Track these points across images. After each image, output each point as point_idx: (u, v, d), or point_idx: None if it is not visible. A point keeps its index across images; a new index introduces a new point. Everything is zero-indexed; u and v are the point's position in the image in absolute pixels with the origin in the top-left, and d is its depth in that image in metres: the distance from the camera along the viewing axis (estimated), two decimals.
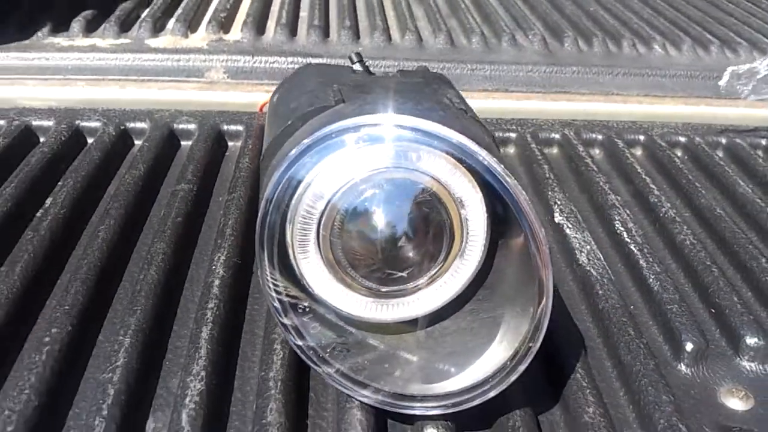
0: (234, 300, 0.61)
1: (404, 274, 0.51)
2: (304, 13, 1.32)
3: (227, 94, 1.06)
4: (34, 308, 0.60)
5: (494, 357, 0.50)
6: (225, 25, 1.24)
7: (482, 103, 1.07)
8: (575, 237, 0.71)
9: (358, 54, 1.00)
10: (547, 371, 0.57)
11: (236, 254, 0.66)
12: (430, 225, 0.50)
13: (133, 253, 0.69)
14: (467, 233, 0.50)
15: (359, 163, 0.47)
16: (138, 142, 0.88)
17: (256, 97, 1.02)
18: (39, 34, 1.15)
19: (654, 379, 0.54)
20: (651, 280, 0.65)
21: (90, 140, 0.87)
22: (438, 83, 0.70)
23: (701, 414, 0.54)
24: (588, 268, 0.66)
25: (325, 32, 1.24)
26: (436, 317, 0.53)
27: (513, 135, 0.93)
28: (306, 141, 0.47)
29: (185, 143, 0.89)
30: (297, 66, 1.10)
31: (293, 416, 0.50)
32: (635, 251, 0.69)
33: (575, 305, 0.65)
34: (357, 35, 1.24)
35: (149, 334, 0.56)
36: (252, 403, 0.52)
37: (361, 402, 0.50)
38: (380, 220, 0.49)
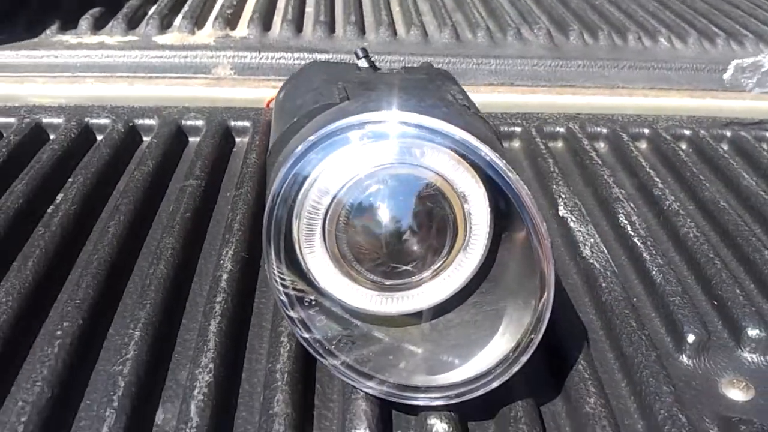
0: (242, 294, 0.62)
1: (409, 267, 0.52)
2: (309, 9, 1.33)
3: (234, 90, 1.07)
4: (46, 302, 0.62)
5: (497, 349, 0.50)
6: (231, 21, 1.24)
7: (488, 98, 1.08)
8: (579, 230, 0.72)
9: (364, 49, 1.01)
10: (550, 362, 0.57)
11: (244, 249, 0.67)
12: (434, 219, 0.50)
13: (143, 248, 0.70)
14: (470, 227, 0.51)
15: (364, 159, 0.48)
16: (146, 139, 0.89)
17: (263, 92, 1.02)
18: (48, 32, 1.16)
19: (655, 370, 0.55)
20: (654, 272, 0.66)
21: (99, 137, 0.88)
22: (442, 79, 0.71)
23: (702, 405, 0.55)
24: (591, 261, 0.67)
25: (331, 28, 1.24)
26: (441, 310, 0.54)
27: (518, 129, 0.93)
28: (311, 138, 0.48)
29: (193, 139, 0.90)
30: (303, 62, 1.11)
31: (299, 407, 0.51)
32: (639, 244, 0.70)
33: (579, 297, 0.65)
34: (363, 30, 1.24)
35: (158, 328, 0.57)
36: (259, 394, 0.53)
37: (366, 393, 0.51)
38: (385, 214, 0.50)
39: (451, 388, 0.50)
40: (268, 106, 0.95)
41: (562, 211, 0.75)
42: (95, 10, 1.22)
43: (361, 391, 0.51)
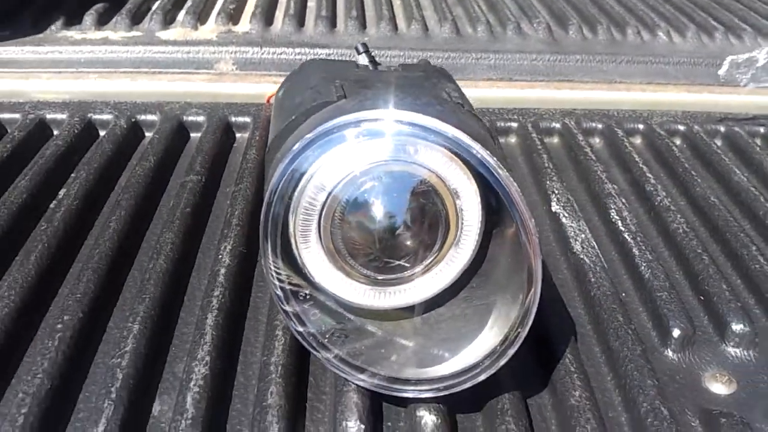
0: (239, 288, 0.64)
1: (401, 262, 0.53)
2: (311, 4, 1.34)
3: (236, 85, 1.08)
4: (48, 296, 0.63)
5: (485, 342, 0.52)
6: (234, 16, 1.26)
7: (486, 92, 1.09)
8: (571, 225, 0.73)
9: (365, 44, 1.02)
10: (538, 356, 0.59)
11: (242, 243, 0.68)
12: (427, 215, 0.52)
13: (143, 242, 0.71)
14: (462, 223, 0.52)
15: (359, 157, 0.49)
16: (148, 134, 0.91)
17: (264, 88, 1.04)
18: (52, 27, 1.18)
19: (640, 364, 0.56)
20: (643, 267, 0.67)
21: (102, 133, 0.90)
22: (438, 77, 0.72)
23: (685, 398, 0.56)
24: (582, 257, 0.68)
25: (333, 23, 1.25)
26: (432, 304, 0.55)
27: (514, 125, 0.94)
28: (308, 135, 0.49)
29: (194, 135, 0.92)
30: (305, 57, 1.12)
31: (293, 399, 0.53)
32: (629, 239, 0.71)
33: (568, 292, 0.67)
34: (364, 25, 1.25)
35: (157, 321, 0.59)
36: (254, 386, 0.55)
37: (357, 386, 0.52)
38: (379, 210, 0.51)
39: (440, 381, 0.51)
40: (268, 101, 0.96)
41: (555, 207, 0.76)
42: (99, 6, 1.23)
43: (353, 383, 0.52)
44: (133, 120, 0.91)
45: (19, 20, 1.18)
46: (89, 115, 0.91)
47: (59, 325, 0.57)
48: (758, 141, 0.93)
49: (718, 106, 1.04)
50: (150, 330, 0.57)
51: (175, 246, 0.67)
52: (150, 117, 0.93)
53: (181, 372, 0.55)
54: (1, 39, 1.12)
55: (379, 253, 0.52)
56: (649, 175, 0.82)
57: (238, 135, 0.93)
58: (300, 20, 1.25)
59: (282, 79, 0.77)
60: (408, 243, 0.52)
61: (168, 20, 1.22)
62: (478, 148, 0.48)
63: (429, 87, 0.68)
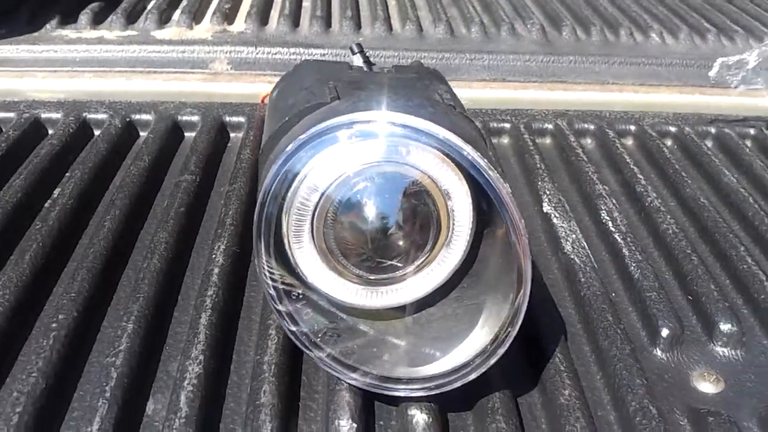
0: (232, 287, 0.64)
1: (393, 262, 0.54)
2: (306, 4, 1.35)
3: (230, 85, 1.09)
4: (42, 295, 0.64)
5: (476, 341, 0.52)
6: (229, 16, 1.26)
7: (480, 93, 1.09)
8: (562, 226, 0.74)
9: (359, 45, 1.03)
10: (528, 355, 0.59)
11: (235, 243, 0.69)
12: (419, 216, 0.52)
13: (137, 242, 0.72)
14: (453, 224, 0.53)
15: (352, 158, 0.50)
16: (143, 134, 0.91)
17: (259, 87, 1.04)
18: (48, 26, 1.18)
19: (629, 363, 0.57)
20: (632, 268, 0.68)
21: (97, 132, 0.90)
22: (430, 78, 0.72)
23: (673, 397, 0.57)
24: (572, 257, 0.69)
25: (327, 22, 1.26)
26: (424, 304, 0.56)
27: (507, 125, 0.95)
28: (302, 137, 0.49)
29: (189, 134, 0.92)
30: (299, 57, 1.13)
31: (286, 398, 0.53)
32: (619, 240, 0.72)
33: (559, 292, 0.67)
34: (358, 25, 1.26)
35: (151, 320, 0.59)
36: (247, 385, 0.55)
37: (350, 384, 0.53)
38: (371, 211, 0.52)
39: (432, 380, 0.52)
40: (263, 101, 0.97)
41: (546, 207, 0.77)
42: (95, 5, 1.24)
43: (345, 382, 0.53)
44: (127, 119, 0.92)
45: (15, 19, 1.19)
46: (84, 114, 0.92)
47: (54, 324, 0.57)
48: (748, 142, 0.94)
49: (709, 108, 1.04)
50: (144, 329, 0.58)
51: (169, 245, 0.68)
52: (144, 116, 0.93)
53: (175, 371, 0.55)
54: None
55: (372, 253, 0.53)
56: (640, 176, 0.83)
57: (232, 135, 0.94)
58: (295, 20, 1.26)
59: (277, 79, 0.78)
60: (400, 243, 0.53)
61: (163, 19, 1.23)
62: (469, 150, 0.49)
63: (421, 89, 0.69)
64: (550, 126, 0.95)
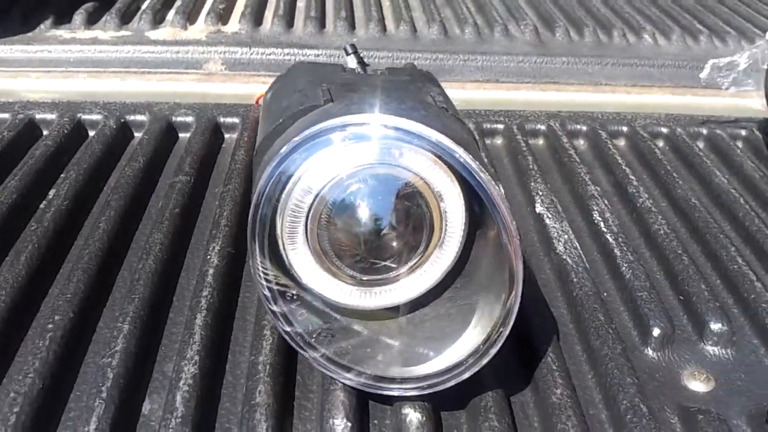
0: (227, 288, 0.65)
1: (387, 263, 0.54)
2: (301, 4, 1.35)
3: (225, 85, 1.09)
4: (38, 296, 0.64)
5: (469, 341, 0.53)
6: (223, 16, 1.26)
7: (473, 94, 1.10)
8: (554, 227, 0.74)
9: (353, 45, 1.04)
10: (521, 354, 0.60)
11: (230, 244, 0.69)
12: (411, 217, 0.53)
13: (132, 243, 0.72)
14: (446, 225, 0.53)
15: (345, 160, 0.50)
16: (138, 135, 0.91)
17: (253, 88, 1.05)
18: (42, 26, 1.19)
19: (620, 362, 0.57)
20: (624, 268, 0.68)
21: (91, 133, 0.90)
22: (423, 81, 0.73)
23: (664, 396, 0.58)
24: (565, 257, 0.70)
25: (322, 23, 1.26)
26: (417, 304, 0.56)
27: (500, 126, 0.95)
28: (296, 139, 0.50)
29: (183, 135, 0.92)
30: (294, 57, 1.13)
31: (281, 398, 0.54)
32: (611, 240, 0.72)
33: (551, 292, 0.68)
34: (353, 26, 1.26)
35: (146, 321, 0.60)
36: (242, 385, 0.56)
37: (344, 384, 0.54)
38: (364, 212, 0.52)
39: (425, 379, 0.52)
40: (257, 102, 0.97)
41: (539, 208, 0.77)
42: (89, 5, 1.24)
43: (340, 382, 0.54)
44: (122, 120, 0.92)
45: (8, 19, 1.19)
46: (78, 115, 0.92)
47: (50, 325, 0.57)
48: (739, 143, 0.95)
49: (701, 109, 1.05)
50: (140, 330, 0.58)
51: (164, 246, 0.68)
52: (139, 117, 0.93)
53: (170, 371, 0.56)
54: None
55: (365, 254, 0.53)
56: (632, 177, 0.84)
57: (226, 136, 0.94)
58: (289, 21, 1.26)
59: (271, 80, 0.78)
60: (393, 244, 0.54)
61: (157, 20, 1.23)
62: (460, 152, 0.49)
63: (414, 91, 0.69)
64: (543, 127, 0.96)
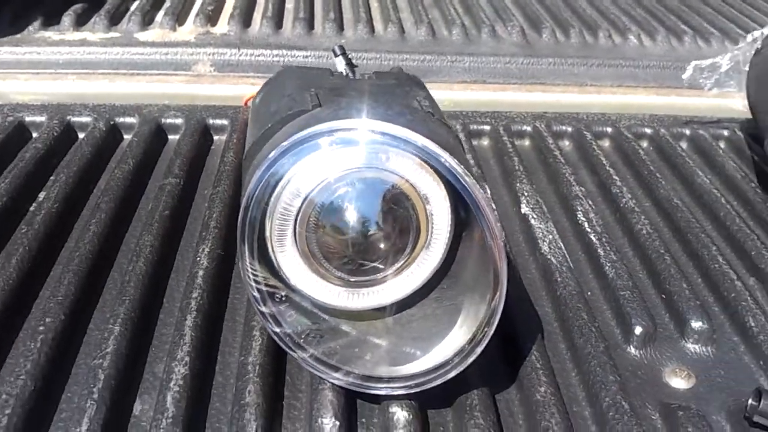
0: (217, 290, 0.65)
1: (374, 265, 0.55)
2: (289, 5, 1.35)
3: (213, 87, 1.10)
4: (29, 299, 0.64)
5: (454, 341, 0.54)
6: (212, 18, 1.27)
7: (460, 95, 1.11)
8: (539, 227, 0.75)
9: (341, 47, 1.04)
10: (506, 353, 0.61)
11: (219, 246, 0.70)
12: (398, 220, 0.54)
13: (122, 245, 0.72)
14: (432, 227, 0.54)
15: (333, 163, 0.51)
16: (127, 137, 0.92)
17: (242, 89, 1.05)
18: (30, 28, 1.19)
19: (603, 360, 0.59)
20: (607, 267, 0.70)
21: (81, 135, 0.91)
22: (410, 85, 0.74)
23: (645, 393, 0.59)
24: (549, 257, 0.71)
25: (310, 24, 1.27)
26: (404, 305, 0.57)
27: (487, 128, 0.97)
28: (284, 143, 0.51)
29: (173, 137, 0.93)
30: (282, 59, 1.14)
31: (270, 397, 0.55)
32: (594, 240, 0.74)
33: (536, 291, 0.69)
34: (341, 27, 1.27)
35: (137, 323, 0.60)
36: (232, 385, 0.57)
37: (332, 384, 0.54)
38: (352, 215, 0.53)
39: (412, 378, 0.53)
40: (246, 104, 0.98)
41: (524, 209, 0.78)
42: (78, 6, 1.24)
43: (328, 382, 0.54)
44: (111, 122, 0.92)
45: None
46: (68, 117, 0.92)
47: (41, 327, 0.58)
48: (722, 144, 0.97)
49: (685, 109, 1.07)
50: (130, 331, 0.59)
51: (154, 248, 0.69)
52: (128, 119, 0.94)
53: (161, 372, 0.56)
54: None
55: (353, 255, 0.54)
56: (616, 178, 0.85)
57: (215, 137, 0.94)
58: (278, 22, 1.27)
59: (260, 81, 0.79)
60: (380, 246, 0.54)
61: (146, 21, 1.23)
62: (446, 157, 0.50)
63: (401, 95, 0.70)
64: (529, 128, 0.97)
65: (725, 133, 0.98)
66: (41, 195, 0.77)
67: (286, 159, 0.51)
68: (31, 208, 0.75)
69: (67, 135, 0.90)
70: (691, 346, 0.64)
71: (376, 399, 0.55)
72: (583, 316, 0.63)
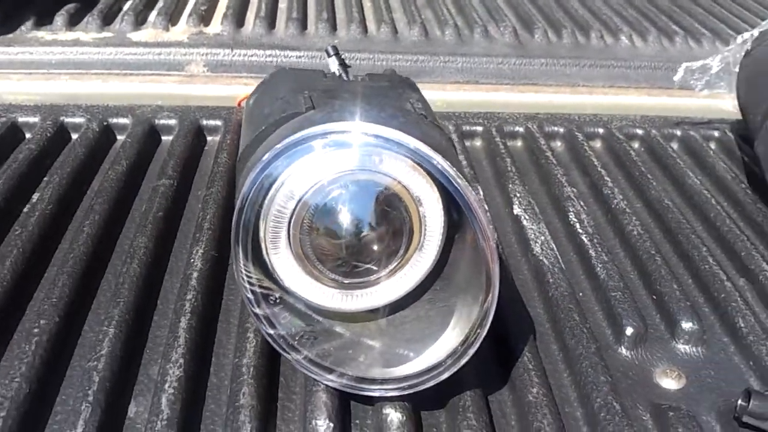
0: (211, 291, 0.66)
1: (368, 266, 0.55)
2: (282, 5, 1.35)
3: (207, 87, 1.10)
4: (23, 301, 0.64)
5: (447, 342, 0.54)
6: (205, 18, 1.27)
7: (453, 95, 1.11)
8: (531, 228, 0.76)
9: (334, 47, 1.04)
10: (498, 354, 0.61)
11: (213, 247, 0.70)
12: (391, 222, 0.54)
13: (116, 247, 0.73)
14: (425, 229, 0.55)
15: (327, 166, 0.52)
16: (120, 138, 0.92)
17: (235, 90, 1.05)
18: (22, 28, 1.18)
19: (594, 361, 0.59)
20: (599, 268, 0.70)
21: (74, 136, 0.91)
22: (403, 87, 0.74)
23: (636, 393, 0.59)
24: (541, 258, 0.71)
25: (303, 24, 1.27)
26: (397, 306, 0.58)
27: (479, 128, 0.97)
28: (278, 146, 0.51)
29: (166, 138, 0.93)
30: (275, 59, 1.14)
31: (264, 399, 0.55)
32: (586, 241, 0.74)
33: (528, 293, 0.70)
34: (334, 27, 1.27)
35: (131, 325, 0.61)
36: (227, 387, 0.57)
37: (326, 386, 0.55)
38: (346, 217, 0.53)
39: (405, 380, 0.54)
40: (239, 104, 0.98)
41: (516, 210, 0.79)
42: (70, 6, 1.24)
43: (322, 383, 0.55)
44: (105, 123, 0.92)
45: None
46: (61, 118, 0.92)
47: (35, 330, 0.58)
48: (712, 145, 0.97)
49: (676, 110, 1.08)
50: (125, 333, 0.59)
51: (148, 250, 0.69)
52: (122, 120, 0.93)
53: (155, 374, 0.57)
54: None
55: (347, 257, 0.55)
56: (607, 179, 0.86)
57: (209, 138, 0.94)
58: (271, 22, 1.27)
59: (253, 81, 0.79)
60: (374, 248, 0.55)
61: (139, 21, 1.23)
62: (438, 159, 0.51)
63: (394, 98, 0.70)
64: (521, 129, 0.97)
65: (716, 134, 0.99)
66: (35, 196, 0.77)
67: (280, 161, 0.51)
68: (25, 210, 0.75)
69: (60, 136, 0.90)
70: (682, 347, 0.64)
71: (370, 400, 0.56)
72: (574, 317, 0.64)
